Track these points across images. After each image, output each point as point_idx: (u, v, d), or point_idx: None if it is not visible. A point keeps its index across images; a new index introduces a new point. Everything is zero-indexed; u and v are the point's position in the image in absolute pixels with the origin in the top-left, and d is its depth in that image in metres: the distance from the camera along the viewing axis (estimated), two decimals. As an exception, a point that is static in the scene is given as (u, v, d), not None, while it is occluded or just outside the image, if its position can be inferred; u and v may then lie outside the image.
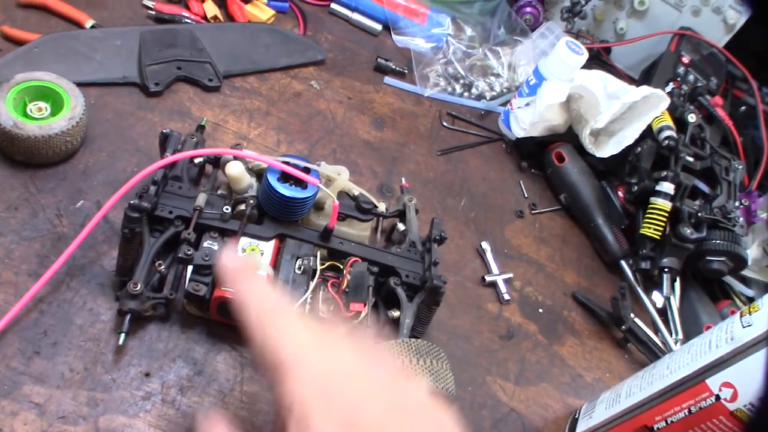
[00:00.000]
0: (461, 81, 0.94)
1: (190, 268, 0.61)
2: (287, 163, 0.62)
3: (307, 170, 0.63)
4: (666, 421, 0.60)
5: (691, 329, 0.82)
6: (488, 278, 0.77)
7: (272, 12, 0.87)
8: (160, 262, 0.60)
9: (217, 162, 0.67)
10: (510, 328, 0.75)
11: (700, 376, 0.58)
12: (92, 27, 0.77)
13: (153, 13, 0.82)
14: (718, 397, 0.56)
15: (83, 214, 0.65)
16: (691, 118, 0.84)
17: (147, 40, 0.77)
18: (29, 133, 0.62)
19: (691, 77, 0.96)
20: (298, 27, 0.89)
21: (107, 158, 0.69)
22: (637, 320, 0.79)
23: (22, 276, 0.59)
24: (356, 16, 0.94)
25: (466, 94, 0.93)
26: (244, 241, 0.62)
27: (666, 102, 0.83)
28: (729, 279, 0.89)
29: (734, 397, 0.56)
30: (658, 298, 0.80)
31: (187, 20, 0.82)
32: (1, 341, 0.55)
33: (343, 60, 0.90)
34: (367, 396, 0.38)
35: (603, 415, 0.66)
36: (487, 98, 0.94)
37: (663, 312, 0.81)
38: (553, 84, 0.85)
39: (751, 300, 0.88)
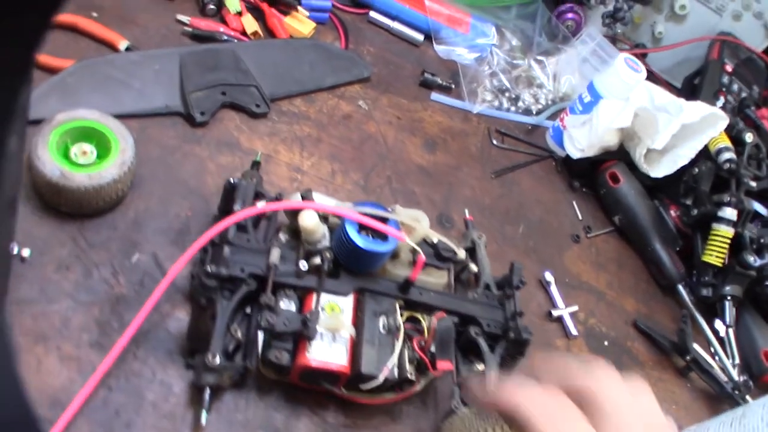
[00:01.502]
0: (507, 94, 0.89)
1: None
2: (367, 214, 0.57)
3: (384, 219, 0.58)
4: (764, 475, 0.59)
5: (748, 353, 0.81)
6: (555, 313, 0.74)
7: (313, 25, 0.81)
8: (235, 327, 0.55)
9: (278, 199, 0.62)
10: (579, 365, 0.72)
11: (805, 434, 0.57)
12: (127, 49, 0.70)
13: (189, 29, 0.75)
14: (826, 458, 0.55)
15: (140, 270, 0.59)
16: (749, 137, 0.82)
17: (187, 63, 0.71)
18: (78, 183, 0.56)
19: (735, 87, 0.94)
20: (338, 39, 0.83)
21: (158, 203, 0.63)
22: (698, 348, 0.78)
23: (84, 348, 0.53)
24: (397, 25, 0.88)
25: (512, 108, 0.89)
26: (323, 298, 0.58)
27: (724, 122, 0.81)
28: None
29: None
30: (720, 326, 0.78)
31: (226, 38, 0.75)
32: (70, 427, 0.50)
33: (387, 75, 0.84)
34: None
35: (687, 461, 0.65)
36: (534, 111, 0.90)
37: (719, 336, 0.80)
38: (610, 103, 0.81)
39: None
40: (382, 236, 0.57)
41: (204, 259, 0.58)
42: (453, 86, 0.87)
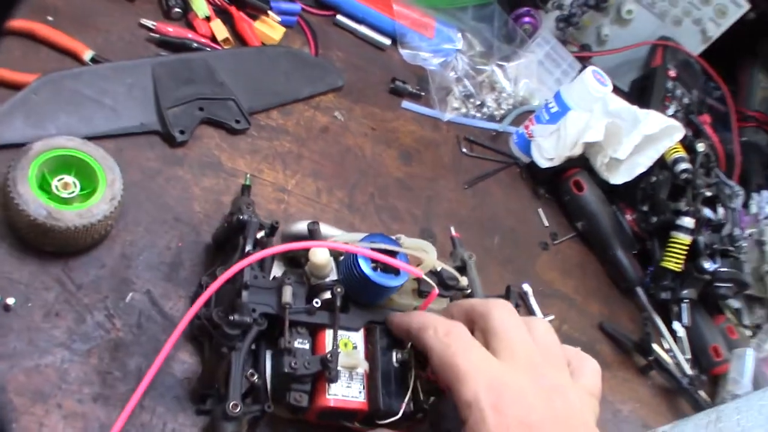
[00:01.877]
0: (472, 100, 0.89)
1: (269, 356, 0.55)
2: (379, 250, 0.56)
3: (395, 252, 0.57)
4: (740, 476, 0.64)
5: (698, 349, 0.87)
6: (534, 324, 0.76)
7: (283, 30, 0.77)
8: (251, 371, 0.53)
9: (273, 231, 0.59)
10: (557, 373, 0.75)
11: (779, 439, 0.62)
12: (92, 59, 0.64)
13: (155, 36, 0.69)
14: (799, 460, 0.61)
15: (136, 310, 0.55)
16: (700, 147, 0.87)
17: (161, 75, 0.65)
18: (68, 223, 0.51)
19: (678, 92, 0.99)
20: (307, 44, 0.80)
21: (146, 234, 0.59)
22: (655, 346, 0.83)
23: (88, 404, 0.49)
24: (363, 29, 0.86)
25: (478, 114, 0.89)
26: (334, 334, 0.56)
27: (680, 133, 0.85)
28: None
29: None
30: (678, 327, 0.83)
31: (196, 45, 0.70)
32: (85, 493, 0.47)
33: (358, 82, 0.82)
34: (532, 401, 0.43)
35: (665, 462, 0.70)
36: (497, 117, 0.91)
37: (675, 335, 0.86)
38: (577, 115, 0.83)
39: (738, 311, 0.94)
40: (395, 270, 0.56)
41: (208, 301, 0.55)
42: (422, 93, 0.86)
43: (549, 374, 0.46)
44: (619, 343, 0.83)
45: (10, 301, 0.50)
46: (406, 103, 0.84)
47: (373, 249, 0.55)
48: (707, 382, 0.86)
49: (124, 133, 0.62)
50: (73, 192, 0.54)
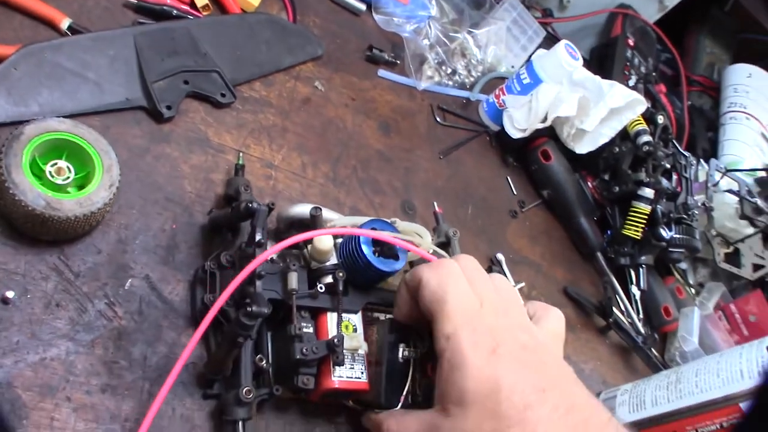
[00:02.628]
0: (444, 68, 0.89)
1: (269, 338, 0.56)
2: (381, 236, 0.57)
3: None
4: (696, 431, 0.70)
5: (651, 309, 0.94)
6: (507, 292, 0.79)
7: (261, -6, 0.74)
8: (260, 356, 0.53)
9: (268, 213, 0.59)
10: (528, 337, 0.79)
11: (733, 400, 0.68)
12: (69, 28, 0.60)
13: (133, 2, 0.65)
14: (752, 418, 0.67)
15: (136, 297, 0.54)
16: (660, 119, 0.91)
17: (144, 47, 0.62)
18: (68, 213, 0.49)
19: (636, 60, 1.02)
20: (284, 9, 0.77)
21: (139, 217, 0.57)
22: (615, 310, 0.88)
23: (96, 395, 0.49)
24: (339, -7, 0.84)
25: (450, 82, 0.90)
26: (336, 317, 0.57)
27: (643, 106, 0.88)
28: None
29: (767, 419, 0.67)
30: (635, 290, 0.89)
31: (176, 12, 0.67)
32: (101, 483, 0.47)
33: (335, 50, 0.81)
34: (503, 335, 0.48)
35: (627, 418, 0.75)
36: (467, 84, 0.91)
37: (632, 297, 0.91)
38: (549, 87, 0.85)
39: (684, 272, 1.01)
40: (395, 255, 0.58)
41: (213, 287, 0.55)
42: (397, 61, 0.85)
43: (514, 316, 0.52)
44: (581, 306, 0.88)
45: (9, 293, 0.49)
46: (382, 72, 0.83)
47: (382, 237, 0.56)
48: (658, 340, 0.92)
49: (109, 110, 0.60)
50: (68, 178, 0.52)
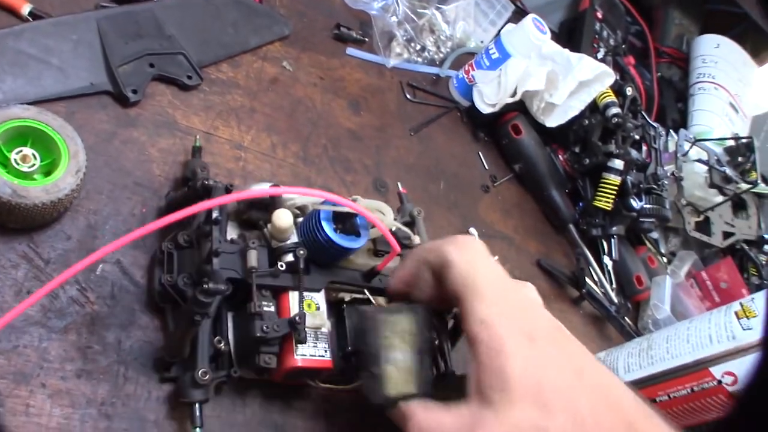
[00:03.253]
0: (413, 45, 0.89)
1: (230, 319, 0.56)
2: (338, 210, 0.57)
3: (354, 215, 0.58)
4: (668, 396, 0.72)
5: (623, 279, 0.95)
6: (481, 265, 0.80)
7: (226, -25, 0.73)
8: (218, 338, 0.54)
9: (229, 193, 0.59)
10: (502, 310, 0.80)
11: (703, 365, 0.70)
12: (30, 13, 0.59)
13: (94, -17, 0.65)
14: (719, 382, 0.69)
15: (108, 281, 0.54)
16: (629, 91, 0.91)
17: (107, 31, 0.62)
18: (34, 200, 0.49)
19: (605, 33, 1.02)
20: (250, -11, 0.77)
21: (108, 202, 0.57)
22: (588, 281, 0.90)
23: (71, 380, 0.49)
24: (305, -30, 0.83)
25: (419, 59, 0.90)
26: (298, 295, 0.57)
27: (611, 78, 0.89)
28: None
29: (735, 382, 0.68)
30: (607, 261, 0.90)
31: (139, -6, 0.66)
32: (80, 468, 0.47)
33: (303, 29, 0.80)
34: (533, 309, 0.49)
35: (600, 387, 0.77)
36: (437, 61, 0.92)
37: (604, 268, 0.93)
38: (517, 62, 0.85)
39: (656, 241, 1.03)
40: (356, 232, 0.58)
41: (170, 267, 0.55)
42: (366, 39, 0.85)
43: (533, 296, 0.52)
44: (555, 277, 0.89)
45: (-22, 282, 0.49)
46: (350, 50, 0.83)
47: (338, 211, 0.56)
48: (631, 309, 0.94)
49: (74, 95, 0.59)
50: (33, 165, 0.51)
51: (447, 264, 0.50)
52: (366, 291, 0.61)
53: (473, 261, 0.49)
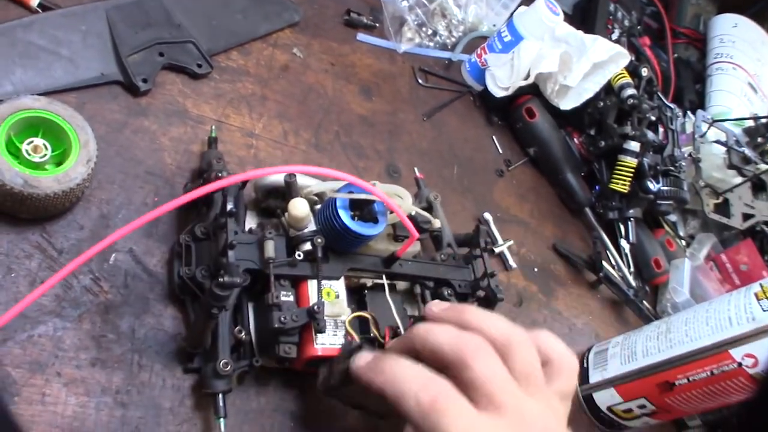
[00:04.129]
0: (424, 29, 0.89)
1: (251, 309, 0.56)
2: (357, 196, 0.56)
3: (372, 200, 0.57)
4: (688, 379, 0.71)
5: (641, 262, 0.94)
6: (496, 249, 0.79)
7: (234, -38, 0.73)
8: (239, 328, 0.54)
9: (244, 184, 0.59)
10: (519, 294, 0.79)
11: (723, 347, 0.68)
12: (39, 5, 0.59)
13: (101, -27, 0.64)
14: (740, 364, 0.67)
15: (121, 270, 0.55)
16: (644, 72, 0.90)
17: (116, 21, 0.62)
18: (46, 190, 0.49)
19: (619, 14, 1.01)
20: (258, -24, 0.76)
21: (120, 191, 0.57)
22: (605, 264, 0.89)
23: (86, 369, 0.50)
24: (314, -43, 0.82)
25: (431, 44, 0.89)
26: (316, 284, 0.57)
27: (626, 59, 0.87)
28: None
29: (755, 365, 0.67)
30: (625, 244, 0.89)
31: (147, -17, 0.66)
32: (96, 455, 0.48)
33: (313, 16, 0.80)
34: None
35: (619, 370, 0.75)
36: (449, 45, 0.91)
37: (621, 251, 0.92)
38: (530, 44, 0.84)
39: (674, 224, 1.01)
40: (374, 219, 0.57)
41: (189, 260, 0.55)
42: (376, 24, 0.85)
43: (533, 414, 0.42)
44: (571, 261, 0.88)
45: (-7, 272, 0.49)
46: (361, 36, 0.83)
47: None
48: (649, 293, 0.93)
49: (84, 86, 0.59)
50: (45, 155, 0.52)
51: (409, 421, 0.41)
52: (384, 276, 0.61)
53: (442, 423, 0.39)
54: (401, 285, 0.64)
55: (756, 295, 0.68)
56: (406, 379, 0.41)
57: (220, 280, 0.48)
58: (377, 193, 0.54)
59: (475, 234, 0.67)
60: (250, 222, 0.60)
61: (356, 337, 0.55)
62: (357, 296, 0.61)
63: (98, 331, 0.51)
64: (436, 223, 0.65)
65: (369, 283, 0.61)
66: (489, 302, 0.64)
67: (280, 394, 0.57)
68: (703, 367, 0.70)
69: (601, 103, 0.89)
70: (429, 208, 0.70)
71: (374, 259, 0.60)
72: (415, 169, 0.73)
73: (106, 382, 0.50)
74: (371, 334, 0.56)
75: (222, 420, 0.51)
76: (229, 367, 0.51)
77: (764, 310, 0.66)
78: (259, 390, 0.56)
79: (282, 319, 0.52)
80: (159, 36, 0.64)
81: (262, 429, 0.55)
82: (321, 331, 0.54)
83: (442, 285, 0.64)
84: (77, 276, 0.52)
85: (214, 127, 0.63)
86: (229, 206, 0.53)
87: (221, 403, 0.51)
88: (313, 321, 0.53)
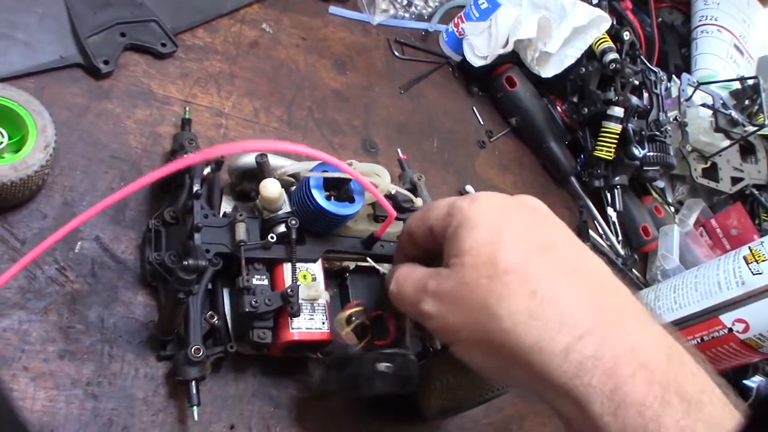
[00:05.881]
0: (399, 0, 0.86)
1: (226, 294, 0.54)
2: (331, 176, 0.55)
3: (348, 179, 0.56)
4: (677, 347, 0.70)
5: (629, 230, 0.93)
6: (479, 224, 0.78)
7: (197, -64, 0.70)
8: (211, 313, 0.52)
9: (219, 166, 0.57)
10: (504, 268, 0.78)
11: (712, 313, 0.68)
12: (-9, -12, 0.57)
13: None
14: (730, 330, 0.67)
15: (88, 259, 0.53)
16: (626, 35, 0.88)
17: (74, 2, 0.59)
18: (3, 179, 0.47)
19: (600, -25, 0.98)
20: (223, -50, 0.74)
21: (83, 177, 0.55)
22: (591, 233, 0.88)
23: (54, 362, 0.48)
24: (281, -72, 0.80)
25: (406, 15, 0.87)
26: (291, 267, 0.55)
27: (607, 23, 0.85)
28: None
29: (746, 330, 0.66)
30: (611, 212, 0.88)
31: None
32: (67, 450, 0.46)
33: (282, -10, 0.77)
34: (542, 222, 0.49)
35: (607, 341, 0.75)
36: (425, 15, 0.88)
37: (608, 220, 0.90)
38: (507, 11, 0.82)
39: (662, 190, 1.00)
40: (349, 198, 0.56)
41: (158, 245, 0.53)
42: (348, -4, 0.82)
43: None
44: (557, 232, 0.87)
45: (-48, 266, 0.48)
46: (333, 9, 0.80)
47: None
48: (639, 261, 0.92)
49: (43, 70, 0.57)
50: (1, 143, 0.50)
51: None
52: (369, 259, 0.59)
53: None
54: (386, 267, 0.62)
55: (745, 258, 0.67)
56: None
57: (185, 263, 0.46)
58: (350, 171, 0.52)
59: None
60: (227, 206, 0.58)
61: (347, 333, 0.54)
62: (339, 279, 0.60)
63: (65, 323, 0.50)
64: (418, 202, 0.63)
65: (351, 266, 0.60)
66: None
67: (260, 379, 0.56)
68: (693, 334, 0.69)
69: (583, 69, 0.87)
70: (413, 189, 0.68)
71: (353, 241, 0.58)
72: (398, 150, 0.70)
73: (75, 375, 0.48)
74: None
75: (195, 408, 0.49)
76: (201, 353, 0.49)
77: (754, 274, 0.65)
78: (237, 376, 0.55)
79: (253, 303, 0.51)
80: (119, 16, 0.62)
81: (240, 415, 0.54)
82: (295, 315, 0.52)
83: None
84: (41, 266, 0.51)
85: (188, 108, 0.60)
86: (195, 188, 0.52)
87: (194, 391, 0.49)
88: (287, 305, 0.51)
